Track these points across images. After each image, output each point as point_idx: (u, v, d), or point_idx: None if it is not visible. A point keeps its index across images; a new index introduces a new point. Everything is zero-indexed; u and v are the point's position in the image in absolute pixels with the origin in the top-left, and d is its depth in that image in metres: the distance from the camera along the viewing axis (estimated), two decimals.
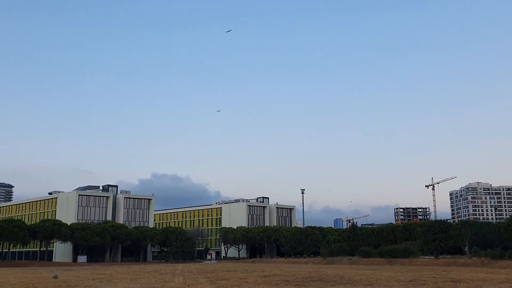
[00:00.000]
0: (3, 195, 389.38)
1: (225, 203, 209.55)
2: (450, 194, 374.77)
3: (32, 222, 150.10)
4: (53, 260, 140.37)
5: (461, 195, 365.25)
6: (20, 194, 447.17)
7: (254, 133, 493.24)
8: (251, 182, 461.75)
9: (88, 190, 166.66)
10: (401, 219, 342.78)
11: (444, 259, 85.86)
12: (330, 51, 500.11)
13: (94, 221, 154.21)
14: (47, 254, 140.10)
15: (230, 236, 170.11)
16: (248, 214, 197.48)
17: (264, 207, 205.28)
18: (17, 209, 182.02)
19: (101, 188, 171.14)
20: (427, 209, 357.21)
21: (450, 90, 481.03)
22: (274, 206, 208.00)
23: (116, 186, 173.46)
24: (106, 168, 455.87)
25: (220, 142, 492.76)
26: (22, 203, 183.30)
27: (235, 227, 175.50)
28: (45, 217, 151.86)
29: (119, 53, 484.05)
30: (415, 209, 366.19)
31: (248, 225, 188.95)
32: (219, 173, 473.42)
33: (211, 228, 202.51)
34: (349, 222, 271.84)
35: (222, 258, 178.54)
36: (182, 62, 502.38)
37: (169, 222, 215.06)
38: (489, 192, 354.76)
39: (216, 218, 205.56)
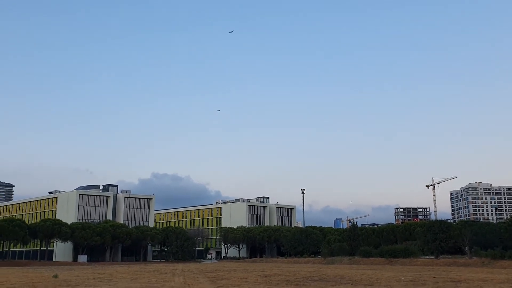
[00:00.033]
0: (4, 195, 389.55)
1: (226, 202, 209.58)
2: (451, 194, 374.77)
3: (33, 222, 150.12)
4: (54, 260, 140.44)
5: (461, 195, 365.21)
6: (21, 193, 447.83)
7: (254, 133, 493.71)
8: (252, 182, 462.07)
9: (88, 190, 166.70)
10: (401, 219, 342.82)
11: (445, 259, 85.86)
12: (330, 51, 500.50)
13: (94, 220, 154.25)
14: (48, 254, 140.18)
15: (231, 236, 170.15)
16: (248, 214, 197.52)
17: (264, 207, 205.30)
18: (18, 209, 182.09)
19: (101, 187, 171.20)
20: (428, 209, 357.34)
21: (450, 90, 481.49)
22: (275, 206, 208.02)
23: (117, 186, 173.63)
24: (106, 168, 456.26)
25: (221, 142, 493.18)
26: (23, 203, 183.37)
27: (235, 227, 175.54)
28: (46, 217, 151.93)
29: (119, 53, 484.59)
30: (416, 209, 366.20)
31: (249, 224, 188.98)
32: (219, 173, 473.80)
33: (212, 228, 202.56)
34: (350, 222, 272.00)
35: (222, 257, 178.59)
36: (182, 62, 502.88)
37: (170, 221, 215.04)
38: (490, 192, 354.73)
39: (217, 217, 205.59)
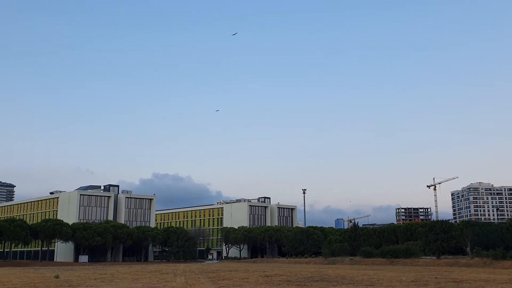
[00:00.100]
0: (5, 195, 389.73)
1: (227, 203, 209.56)
2: (452, 194, 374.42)
3: (34, 222, 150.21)
4: (55, 260, 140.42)
5: (462, 195, 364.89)
6: (22, 193, 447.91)
7: (255, 133, 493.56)
8: (253, 182, 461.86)
9: (89, 190, 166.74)
10: (402, 219, 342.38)
11: (446, 260, 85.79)
12: (330, 51, 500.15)
13: (95, 221, 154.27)
14: (49, 254, 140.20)
15: (232, 236, 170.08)
16: (249, 214, 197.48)
17: (265, 207, 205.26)
18: (19, 209, 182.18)
19: (102, 188, 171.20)
20: (429, 209, 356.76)
21: (450, 90, 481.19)
22: (276, 206, 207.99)
23: (118, 186, 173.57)
24: (107, 168, 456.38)
25: (221, 142, 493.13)
26: (24, 203, 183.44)
27: (236, 227, 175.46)
28: (47, 217, 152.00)
29: (119, 53, 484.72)
30: (417, 209, 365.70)
31: (250, 225, 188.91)
32: (220, 173, 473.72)
33: (213, 228, 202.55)
34: (351, 222, 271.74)
35: (223, 258, 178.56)
36: (182, 62, 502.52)
37: (171, 222, 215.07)
38: (491, 193, 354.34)
39: (218, 218, 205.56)
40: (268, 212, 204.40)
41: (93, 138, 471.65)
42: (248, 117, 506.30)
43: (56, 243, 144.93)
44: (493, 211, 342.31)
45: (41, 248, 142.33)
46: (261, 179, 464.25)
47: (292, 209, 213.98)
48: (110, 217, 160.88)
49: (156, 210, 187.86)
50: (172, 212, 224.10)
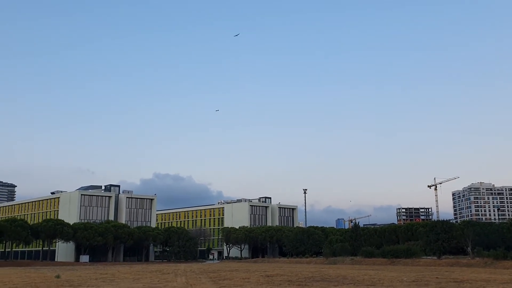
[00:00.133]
0: (6, 195, 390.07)
1: (227, 203, 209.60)
2: (453, 194, 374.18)
3: (35, 222, 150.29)
4: (56, 260, 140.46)
5: (463, 195, 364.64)
6: (23, 193, 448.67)
7: (255, 133, 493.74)
8: (254, 182, 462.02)
9: (90, 190, 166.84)
10: (403, 219, 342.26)
11: (447, 260, 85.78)
12: (330, 51, 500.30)
13: (96, 220, 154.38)
14: (50, 254, 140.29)
15: (232, 236, 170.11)
16: (250, 214, 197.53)
17: (266, 207, 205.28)
18: (20, 209, 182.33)
19: (103, 188, 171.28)
20: (430, 209, 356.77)
21: (450, 90, 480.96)
22: (276, 206, 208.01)
23: (118, 186, 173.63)
24: (108, 168, 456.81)
25: (222, 142, 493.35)
26: (25, 203, 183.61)
27: (237, 227, 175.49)
28: (48, 217, 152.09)
29: (119, 53, 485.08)
30: (418, 209, 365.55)
31: (250, 225, 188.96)
32: (221, 173, 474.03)
33: (213, 228, 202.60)
34: (351, 222, 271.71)
35: (224, 258, 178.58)
36: (182, 62, 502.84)
37: (171, 222, 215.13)
38: (492, 193, 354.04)
39: (218, 218, 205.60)
40: (269, 212, 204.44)
41: (94, 138, 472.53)
42: (248, 117, 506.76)
43: (57, 243, 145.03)
44: (494, 211, 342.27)
45: (42, 248, 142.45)
46: (261, 179, 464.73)
47: (293, 209, 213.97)
48: (111, 217, 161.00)
49: (157, 210, 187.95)
50: (173, 212, 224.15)
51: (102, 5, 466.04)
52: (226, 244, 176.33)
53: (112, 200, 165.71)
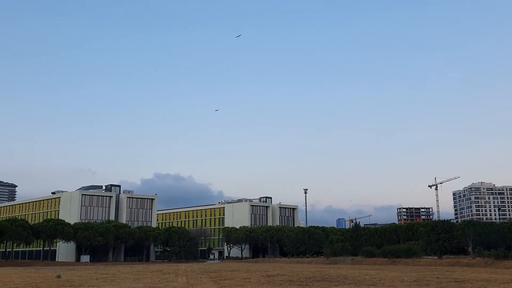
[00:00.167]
0: (7, 195, 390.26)
1: (228, 203, 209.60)
2: (453, 194, 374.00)
3: (35, 222, 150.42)
4: (56, 260, 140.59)
5: (464, 195, 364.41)
6: (24, 193, 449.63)
7: (255, 133, 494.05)
8: (254, 182, 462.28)
9: (91, 190, 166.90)
10: (404, 219, 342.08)
11: (448, 259, 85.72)
12: (330, 51, 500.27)
13: (97, 220, 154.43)
14: (50, 254, 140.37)
15: (233, 236, 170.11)
16: (251, 214, 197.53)
17: (267, 207, 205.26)
18: (21, 209, 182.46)
19: (104, 188, 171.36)
20: (430, 209, 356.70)
21: (450, 90, 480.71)
22: (277, 206, 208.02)
23: (119, 186, 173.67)
24: (108, 168, 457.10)
25: (222, 142, 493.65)
26: (26, 203, 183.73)
27: (238, 227, 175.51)
28: (48, 217, 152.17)
29: (120, 53, 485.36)
30: (418, 209, 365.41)
31: (251, 225, 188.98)
32: (222, 173, 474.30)
33: (214, 228, 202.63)
34: (352, 222, 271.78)
35: (225, 258, 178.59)
36: (182, 62, 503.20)
37: (172, 222, 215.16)
38: (493, 192, 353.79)
39: (219, 218, 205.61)
40: (270, 212, 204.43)
41: (94, 138, 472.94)
42: (248, 117, 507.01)
43: (57, 243, 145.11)
44: (494, 211, 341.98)
45: (43, 248, 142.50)
46: (262, 179, 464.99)
47: (293, 209, 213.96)
48: (112, 217, 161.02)
49: (158, 210, 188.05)
50: (173, 212, 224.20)
51: (102, 5, 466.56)
52: (227, 244, 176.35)
53: (113, 200, 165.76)
